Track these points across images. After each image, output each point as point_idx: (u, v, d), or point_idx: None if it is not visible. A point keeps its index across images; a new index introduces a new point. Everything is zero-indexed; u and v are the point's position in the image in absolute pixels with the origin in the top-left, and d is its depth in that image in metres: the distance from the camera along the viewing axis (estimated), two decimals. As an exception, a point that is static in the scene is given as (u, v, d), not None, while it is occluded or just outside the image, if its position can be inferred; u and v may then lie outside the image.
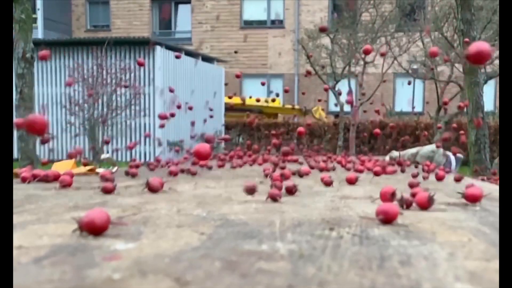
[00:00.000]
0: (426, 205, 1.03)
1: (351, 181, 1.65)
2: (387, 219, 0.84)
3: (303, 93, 10.04)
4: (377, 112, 5.20)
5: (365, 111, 8.05)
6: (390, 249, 0.66)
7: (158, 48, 9.84)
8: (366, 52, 1.93)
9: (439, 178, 1.85)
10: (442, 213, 1.01)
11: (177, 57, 4.31)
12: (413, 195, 1.09)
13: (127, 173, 1.92)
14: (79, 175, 1.97)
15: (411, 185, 1.46)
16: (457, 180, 1.79)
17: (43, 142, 1.49)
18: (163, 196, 1.27)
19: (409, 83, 5.81)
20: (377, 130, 2.86)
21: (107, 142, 3.21)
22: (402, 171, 2.51)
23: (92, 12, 18.23)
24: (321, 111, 13.36)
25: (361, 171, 2.35)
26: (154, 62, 9.78)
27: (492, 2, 7.13)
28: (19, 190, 1.40)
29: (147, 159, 9.69)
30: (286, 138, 12.41)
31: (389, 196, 1.03)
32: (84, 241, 0.69)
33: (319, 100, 10.16)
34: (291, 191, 1.18)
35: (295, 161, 3.37)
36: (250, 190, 1.22)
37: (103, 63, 7.80)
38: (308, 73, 4.13)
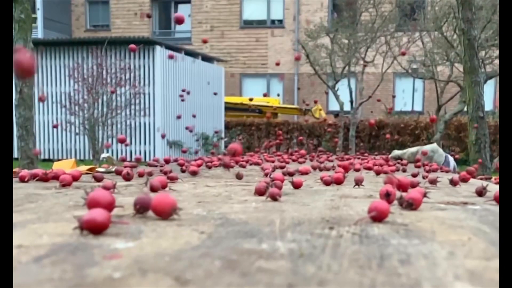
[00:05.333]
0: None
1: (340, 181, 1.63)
2: (378, 214, 0.84)
3: (304, 102, 10.11)
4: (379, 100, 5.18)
5: (372, 111, 8.07)
6: (390, 248, 0.66)
7: (158, 47, 9.84)
8: (179, 21, 1.86)
9: (464, 180, 1.81)
10: (442, 212, 1.01)
11: (170, 56, 4.28)
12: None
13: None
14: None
15: (412, 185, 1.46)
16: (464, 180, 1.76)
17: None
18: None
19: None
20: (372, 121, 2.88)
21: (107, 147, 3.10)
22: (404, 170, 2.51)
23: (92, 12, 18.23)
24: (320, 111, 13.36)
25: (358, 170, 2.35)
26: (154, 62, 9.79)
27: (492, 2, 7.12)
28: (19, 189, 1.40)
29: (147, 158, 9.70)
30: (286, 138, 12.41)
31: (383, 196, 1.03)
32: (84, 240, 0.69)
33: (315, 102, 10.19)
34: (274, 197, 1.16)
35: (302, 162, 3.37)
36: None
37: (103, 63, 7.79)
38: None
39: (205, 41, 3.94)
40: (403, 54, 5.91)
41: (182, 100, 7.46)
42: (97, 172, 2.10)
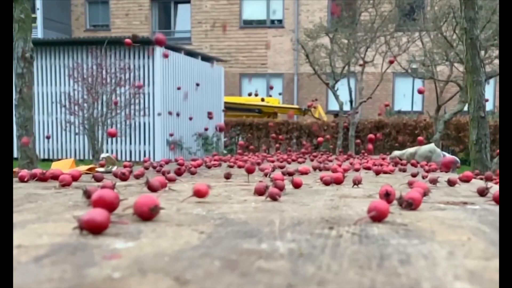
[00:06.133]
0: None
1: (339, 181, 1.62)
2: (378, 214, 0.84)
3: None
4: (381, 111, 5.23)
5: (370, 98, 8.09)
6: (390, 248, 0.66)
7: (157, 47, 9.84)
8: (159, 43, 1.85)
9: (467, 180, 1.80)
10: (441, 212, 1.01)
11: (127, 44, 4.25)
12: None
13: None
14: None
15: (411, 185, 1.47)
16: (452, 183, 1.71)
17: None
18: (162, 195, 1.27)
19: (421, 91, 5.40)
20: (371, 136, 2.90)
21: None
22: (403, 170, 2.51)
23: (92, 11, 18.24)
24: (320, 110, 13.37)
25: (358, 169, 2.35)
26: (153, 62, 9.79)
27: (492, 2, 7.11)
28: (19, 189, 1.40)
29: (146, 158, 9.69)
30: (285, 137, 12.40)
31: (383, 196, 1.03)
32: (84, 240, 0.69)
33: (310, 105, 10.23)
34: (274, 197, 1.17)
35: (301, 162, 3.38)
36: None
37: (102, 63, 7.79)
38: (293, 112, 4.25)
39: (166, 56, 3.96)
40: (391, 62, 5.90)
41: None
42: (97, 172, 2.10)
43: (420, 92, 3.71)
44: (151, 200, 0.86)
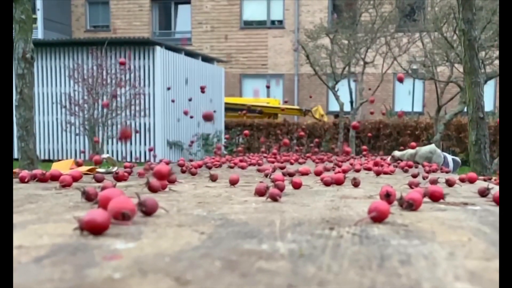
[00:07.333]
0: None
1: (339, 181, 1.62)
2: (378, 215, 0.84)
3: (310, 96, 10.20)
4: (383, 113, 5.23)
5: (372, 113, 8.21)
6: (390, 248, 0.66)
7: (158, 48, 9.84)
8: (125, 137, 1.73)
9: (470, 181, 1.79)
10: (442, 213, 1.01)
11: (122, 63, 4.21)
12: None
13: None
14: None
15: (412, 185, 1.46)
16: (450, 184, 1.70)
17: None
18: (163, 195, 1.27)
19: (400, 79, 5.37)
20: (355, 123, 2.91)
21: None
22: (405, 171, 2.51)
23: (92, 12, 18.25)
24: (321, 111, 13.39)
25: (358, 170, 2.35)
26: (154, 62, 9.79)
27: (492, 3, 7.12)
28: (20, 190, 1.40)
29: (146, 159, 9.71)
30: (285, 137, 12.40)
31: (383, 197, 1.03)
32: (85, 240, 0.69)
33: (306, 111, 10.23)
34: (274, 198, 1.16)
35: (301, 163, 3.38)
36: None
37: (103, 63, 7.80)
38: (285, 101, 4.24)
39: (123, 63, 3.96)
40: (372, 101, 5.91)
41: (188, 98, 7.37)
42: (97, 172, 2.10)
43: (399, 79, 3.70)
44: (125, 204, 0.81)
